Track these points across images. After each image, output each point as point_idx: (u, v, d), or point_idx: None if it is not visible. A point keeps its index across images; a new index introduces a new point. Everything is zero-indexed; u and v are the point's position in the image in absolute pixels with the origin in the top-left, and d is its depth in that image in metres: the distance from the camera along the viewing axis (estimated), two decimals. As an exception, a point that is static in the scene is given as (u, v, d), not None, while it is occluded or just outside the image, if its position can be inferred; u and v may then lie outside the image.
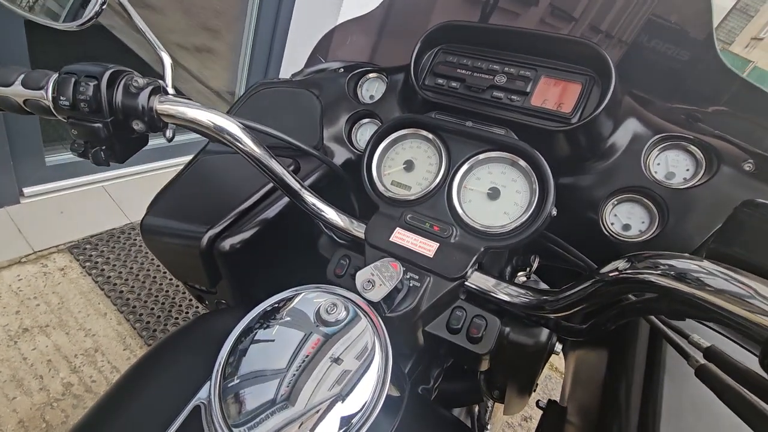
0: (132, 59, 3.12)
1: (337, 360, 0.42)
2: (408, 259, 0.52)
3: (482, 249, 0.53)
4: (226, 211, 0.65)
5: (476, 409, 0.98)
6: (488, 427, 1.00)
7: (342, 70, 0.84)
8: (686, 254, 0.35)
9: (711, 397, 0.35)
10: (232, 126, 0.52)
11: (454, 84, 0.64)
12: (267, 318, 0.46)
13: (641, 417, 0.45)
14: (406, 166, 0.61)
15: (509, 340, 0.52)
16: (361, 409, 0.40)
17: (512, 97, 0.61)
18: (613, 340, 0.59)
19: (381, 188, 0.60)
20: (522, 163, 0.55)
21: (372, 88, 0.79)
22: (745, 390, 0.31)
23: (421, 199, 0.57)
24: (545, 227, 0.53)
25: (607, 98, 0.56)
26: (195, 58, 3.14)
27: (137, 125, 0.52)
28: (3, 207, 1.88)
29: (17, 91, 0.53)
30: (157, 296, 1.82)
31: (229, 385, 0.41)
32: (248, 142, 0.53)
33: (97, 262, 1.86)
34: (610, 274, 0.40)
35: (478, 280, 0.52)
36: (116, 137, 0.53)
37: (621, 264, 0.39)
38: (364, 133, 0.77)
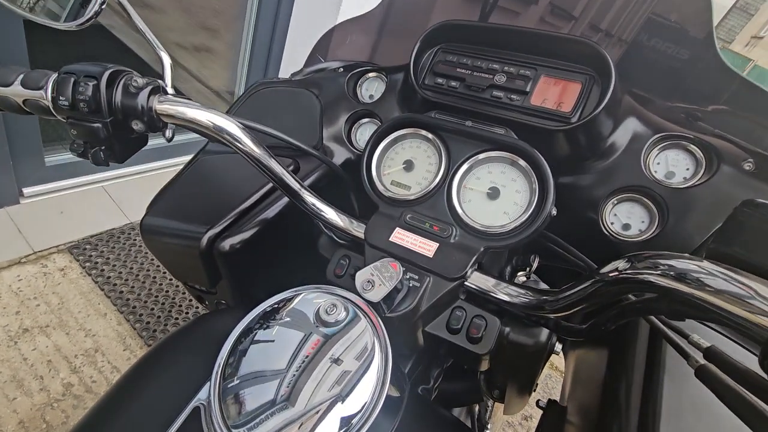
0: (131, 59, 3.12)
1: (336, 360, 0.42)
2: (408, 259, 0.52)
3: (482, 249, 0.52)
4: (226, 211, 0.65)
5: (476, 408, 0.98)
6: (488, 426, 1.00)
7: (341, 69, 0.84)
8: (686, 254, 0.35)
9: (711, 397, 0.35)
10: (231, 126, 0.52)
11: (453, 83, 0.64)
12: (267, 318, 0.46)
13: (641, 417, 0.45)
14: (406, 165, 0.61)
15: (509, 340, 0.52)
16: (361, 410, 0.40)
17: (512, 96, 0.61)
18: (613, 339, 0.59)
19: (380, 188, 0.60)
20: (522, 162, 0.55)
21: (371, 88, 0.79)
22: (745, 390, 0.31)
23: (421, 198, 0.57)
24: (545, 227, 0.53)
25: (607, 97, 0.56)
26: (194, 57, 3.14)
27: (137, 125, 0.52)
28: (3, 207, 1.88)
29: (16, 91, 0.53)
30: (157, 296, 1.82)
31: (229, 386, 0.41)
32: (248, 142, 0.53)
33: (97, 263, 1.86)
34: (610, 274, 0.40)
35: (477, 280, 0.52)
36: (115, 137, 0.53)
37: (621, 264, 0.39)
38: (363, 132, 0.77)
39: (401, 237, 0.54)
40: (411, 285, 0.51)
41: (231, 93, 2.85)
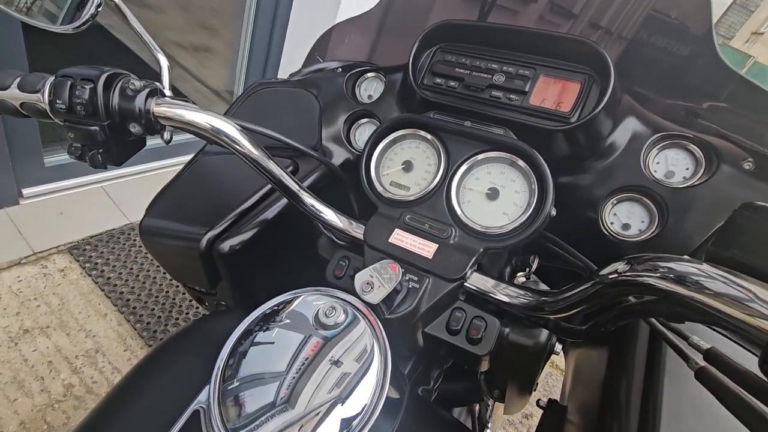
0: (131, 59, 3.11)
1: (336, 363, 0.42)
2: (407, 260, 0.52)
3: (481, 250, 0.52)
4: (226, 212, 0.65)
5: (477, 408, 0.98)
6: (489, 425, 1.00)
7: (340, 69, 0.84)
8: (686, 257, 0.35)
9: (711, 398, 0.35)
10: (229, 128, 0.52)
11: (452, 83, 0.64)
12: (266, 321, 0.46)
13: (641, 418, 0.45)
14: (405, 166, 0.61)
15: (509, 340, 0.52)
16: (361, 412, 0.40)
17: (511, 96, 0.60)
18: (614, 339, 0.59)
19: (380, 189, 0.60)
20: (521, 163, 0.55)
21: (370, 88, 0.79)
22: (745, 393, 0.31)
23: (420, 199, 0.57)
24: (544, 227, 0.52)
25: (606, 97, 0.55)
26: (193, 56, 3.14)
27: (134, 128, 0.52)
28: (2, 208, 1.88)
29: (14, 95, 0.53)
30: (157, 297, 1.82)
31: (229, 388, 0.41)
32: (246, 144, 0.53)
33: (96, 263, 1.86)
34: (610, 276, 0.40)
35: (477, 281, 0.52)
36: (113, 140, 0.52)
37: (620, 266, 0.39)
38: (362, 133, 0.77)
39: (400, 238, 0.54)
40: (410, 286, 0.51)
41: (230, 92, 2.84)
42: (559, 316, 0.46)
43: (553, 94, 0.59)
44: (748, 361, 0.31)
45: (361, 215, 0.68)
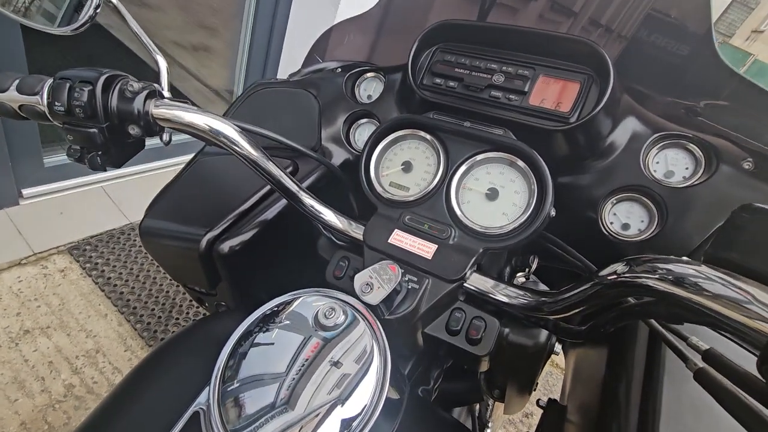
0: (130, 58, 3.11)
1: (336, 364, 0.42)
2: (406, 261, 0.52)
3: (481, 250, 0.52)
4: (225, 213, 0.65)
5: (477, 407, 0.98)
6: (489, 425, 1.00)
7: (339, 69, 0.84)
8: (684, 258, 0.35)
9: (711, 399, 0.35)
10: (228, 129, 0.52)
11: (452, 83, 0.64)
12: (266, 322, 0.46)
13: (641, 418, 0.45)
14: (405, 167, 0.61)
15: (508, 341, 0.52)
16: (361, 413, 0.40)
17: (510, 96, 0.60)
18: (613, 339, 0.59)
19: (379, 189, 0.60)
20: (520, 163, 0.55)
21: (370, 88, 0.79)
22: (743, 394, 0.31)
23: (420, 200, 0.57)
24: (544, 227, 0.52)
25: (606, 97, 0.55)
26: (192, 56, 3.13)
27: (133, 130, 0.52)
28: (2, 208, 1.88)
29: (12, 97, 0.53)
30: (157, 297, 1.82)
31: (229, 390, 0.41)
32: (245, 145, 0.53)
33: (97, 263, 1.86)
34: (609, 278, 0.40)
35: (476, 281, 0.52)
36: (112, 142, 0.52)
37: (619, 267, 0.39)
38: (362, 133, 0.77)
39: (400, 239, 0.54)
40: (410, 287, 0.51)
41: (230, 92, 2.84)
42: (558, 316, 0.46)
43: (552, 94, 0.59)
44: (748, 362, 0.31)
45: (361, 216, 0.68)
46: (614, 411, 0.50)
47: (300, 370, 0.41)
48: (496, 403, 1.05)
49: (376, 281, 0.48)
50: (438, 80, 0.65)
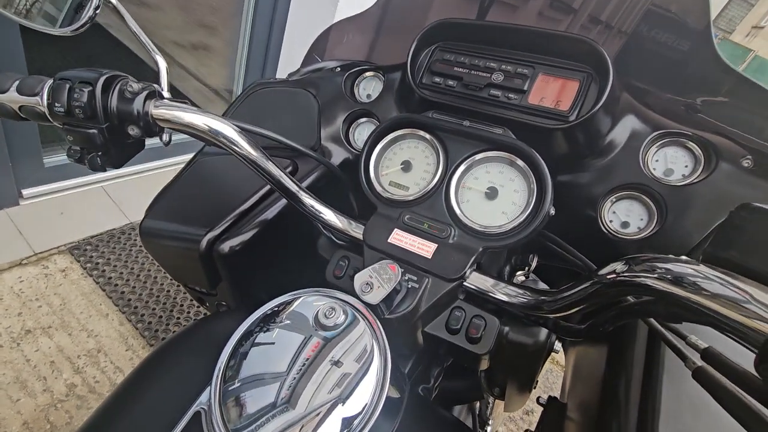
0: (130, 58, 3.11)
1: (336, 363, 0.42)
2: (406, 260, 0.52)
3: (480, 249, 0.53)
4: (225, 212, 0.65)
5: (477, 405, 0.98)
6: (489, 422, 1.00)
7: (339, 69, 0.84)
8: (683, 257, 0.35)
9: (709, 397, 0.35)
10: (227, 129, 0.52)
11: (451, 82, 0.64)
12: (267, 322, 0.46)
13: (640, 416, 0.46)
14: (404, 166, 0.61)
15: (508, 339, 0.52)
16: (362, 412, 0.40)
17: (509, 95, 0.60)
18: (613, 337, 0.59)
19: (379, 189, 0.60)
20: (520, 162, 0.55)
21: (369, 87, 0.79)
22: (742, 392, 0.31)
23: (419, 199, 0.57)
24: (543, 226, 0.53)
25: (605, 95, 0.55)
26: (192, 55, 3.13)
27: (133, 130, 0.52)
28: (2, 209, 1.88)
29: (12, 98, 0.53)
30: (158, 296, 1.82)
31: (230, 389, 0.42)
32: (244, 145, 0.53)
33: (97, 263, 1.87)
34: (608, 277, 0.40)
35: (476, 280, 0.52)
36: (112, 143, 0.53)
37: (618, 266, 0.39)
38: (361, 132, 0.77)
39: (400, 238, 0.54)
40: (410, 286, 0.51)
41: (229, 91, 2.84)
42: (558, 315, 0.47)
43: (551, 92, 0.59)
44: (746, 360, 0.31)
45: (361, 215, 0.68)
46: (614, 409, 0.50)
47: (301, 369, 0.42)
48: (496, 400, 1.06)
49: (376, 281, 0.48)
50: (437, 79, 0.65)
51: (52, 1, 0.62)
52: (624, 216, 0.60)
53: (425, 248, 0.53)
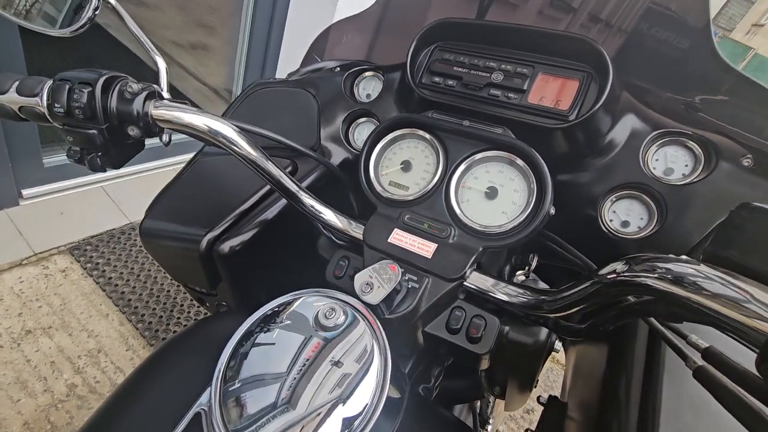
0: (129, 58, 3.10)
1: (337, 363, 0.42)
2: (406, 260, 0.52)
3: (480, 249, 0.52)
4: (225, 213, 0.65)
5: (478, 404, 0.98)
6: (490, 421, 1.01)
7: (338, 69, 0.84)
8: (684, 257, 0.35)
9: (710, 396, 0.35)
10: (227, 129, 0.52)
11: (450, 82, 0.64)
12: (267, 322, 0.46)
13: (641, 415, 0.46)
14: (404, 166, 0.61)
15: (509, 339, 0.52)
16: (362, 412, 0.40)
17: (509, 94, 0.60)
18: (613, 336, 0.59)
19: (379, 189, 0.60)
20: (519, 162, 0.55)
21: (368, 87, 0.78)
22: (743, 392, 0.31)
23: (419, 199, 0.57)
24: (543, 226, 0.53)
25: (605, 94, 0.55)
26: (191, 55, 3.13)
27: (133, 131, 0.52)
28: (2, 209, 1.88)
29: (12, 98, 0.53)
30: (158, 296, 1.82)
31: (230, 390, 0.42)
32: (244, 146, 0.53)
33: (98, 263, 1.87)
34: (608, 276, 0.40)
35: (476, 280, 0.52)
36: (112, 143, 0.53)
37: (619, 266, 0.39)
38: (361, 132, 0.77)
39: (400, 238, 0.54)
40: (410, 286, 0.51)
41: (229, 91, 2.84)
42: (558, 314, 0.47)
43: (551, 91, 0.59)
44: (747, 359, 0.31)
45: (361, 215, 0.68)
46: (614, 408, 0.50)
47: (301, 370, 0.42)
48: (497, 399, 1.06)
49: (376, 281, 0.48)
50: (437, 79, 0.65)
51: (51, 2, 0.62)
52: (624, 215, 0.60)
53: (425, 248, 0.53)
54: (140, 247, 1.99)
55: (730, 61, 0.66)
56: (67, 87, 0.50)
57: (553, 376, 2.16)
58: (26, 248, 1.81)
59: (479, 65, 0.63)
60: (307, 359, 0.42)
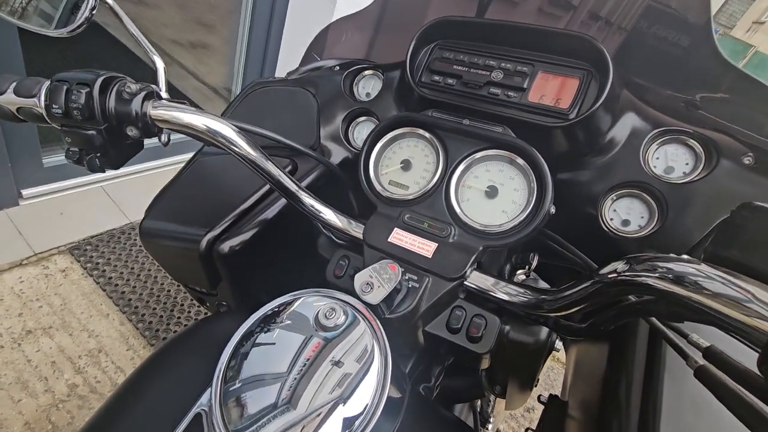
0: (128, 57, 3.10)
1: (337, 363, 0.42)
2: (406, 259, 0.52)
3: (481, 248, 0.52)
4: (225, 212, 0.65)
5: (478, 403, 0.98)
6: (491, 420, 1.01)
7: (338, 67, 0.83)
8: (685, 257, 0.35)
9: (711, 395, 0.35)
10: (226, 129, 0.52)
11: (450, 81, 0.63)
12: (267, 322, 0.46)
13: (642, 415, 0.46)
14: (404, 165, 0.61)
15: (509, 338, 0.52)
16: (363, 412, 0.40)
17: (509, 93, 0.60)
18: (614, 335, 0.59)
19: (378, 188, 0.59)
20: (520, 160, 0.55)
21: (368, 86, 0.78)
22: (744, 391, 0.31)
23: (419, 198, 0.57)
24: (544, 225, 0.52)
25: (605, 93, 0.55)
26: (190, 54, 3.12)
27: (131, 131, 0.52)
28: (2, 209, 1.88)
29: (10, 99, 0.53)
30: (158, 296, 1.82)
31: (230, 390, 0.42)
32: (243, 145, 0.53)
33: (98, 263, 1.87)
34: (609, 276, 0.40)
35: (477, 279, 0.52)
36: (110, 144, 0.52)
37: (619, 266, 0.39)
38: (361, 131, 0.76)
39: (400, 237, 0.54)
40: (410, 286, 0.51)
41: (228, 90, 2.83)
42: (558, 314, 0.46)
43: (551, 90, 0.59)
44: (748, 358, 0.31)
45: (361, 214, 0.68)
46: (615, 408, 0.50)
47: (301, 370, 0.42)
48: (497, 398, 1.06)
49: (376, 280, 0.48)
50: (436, 77, 0.64)
51: (47, 0, 0.61)
52: (624, 214, 0.59)
53: (425, 247, 0.53)
54: (140, 246, 1.99)
55: (731, 59, 0.66)
56: (65, 88, 0.50)
57: (554, 374, 2.16)
58: (26, 248, 1.81)
59: (479, 64, 0.63)
60: (308, 359, 0.42)
